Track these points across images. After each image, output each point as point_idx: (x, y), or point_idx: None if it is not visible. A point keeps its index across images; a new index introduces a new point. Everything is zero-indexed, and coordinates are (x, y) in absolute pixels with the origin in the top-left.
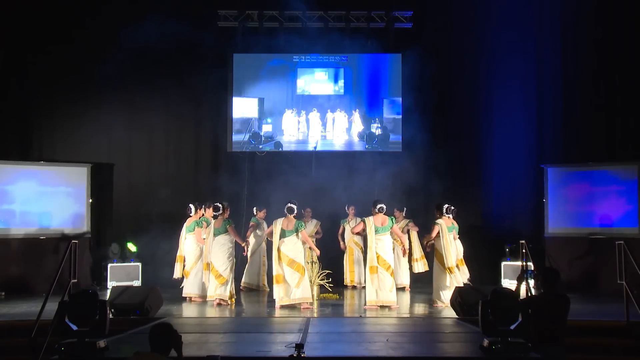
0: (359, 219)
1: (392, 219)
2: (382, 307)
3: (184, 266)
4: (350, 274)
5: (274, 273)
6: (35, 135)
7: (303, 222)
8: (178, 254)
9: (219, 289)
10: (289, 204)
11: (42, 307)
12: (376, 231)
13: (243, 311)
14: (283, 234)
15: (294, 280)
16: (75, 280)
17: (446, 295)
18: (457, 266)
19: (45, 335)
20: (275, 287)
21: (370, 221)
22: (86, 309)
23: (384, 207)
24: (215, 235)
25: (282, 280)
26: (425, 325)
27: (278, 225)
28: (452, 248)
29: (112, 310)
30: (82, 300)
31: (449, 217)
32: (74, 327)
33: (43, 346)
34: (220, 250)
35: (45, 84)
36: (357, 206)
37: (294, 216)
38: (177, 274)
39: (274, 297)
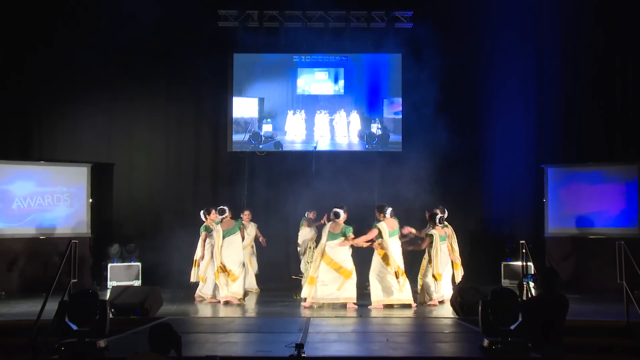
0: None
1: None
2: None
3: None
4: None
5: (310, 274)
6: (35, 135)
7: (351, 227)
8: (195, 257)
9: (232, 287)
10: (335, 209)
11: (42, 307)
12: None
13: (244, 311)
14: (330, 237)
15: (336, 283)
16: (75, 280)
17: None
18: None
19: (45, 335)
20: (307, 286)
21: (383, 226)
22: (86, 309)
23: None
24: (224, 236)
25: (315, 282)
26: (425, 325)
27: (326, 229)
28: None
29: (112, 310)
30: (82, 300)
31: (441, 226)
32: (74, 327)
33: (43, 346)
34: (232, 250)
35: (45, 83)
36: (356, 206)
37: (342, 220)
38: (193, 278)
39: (303, 296)
